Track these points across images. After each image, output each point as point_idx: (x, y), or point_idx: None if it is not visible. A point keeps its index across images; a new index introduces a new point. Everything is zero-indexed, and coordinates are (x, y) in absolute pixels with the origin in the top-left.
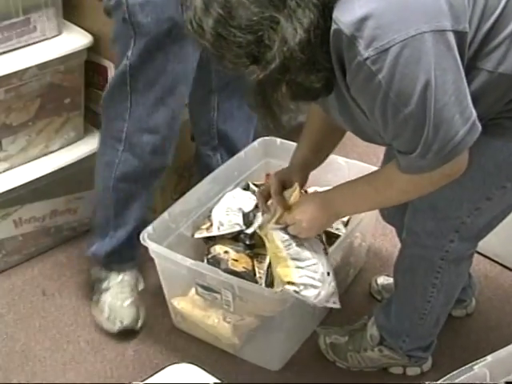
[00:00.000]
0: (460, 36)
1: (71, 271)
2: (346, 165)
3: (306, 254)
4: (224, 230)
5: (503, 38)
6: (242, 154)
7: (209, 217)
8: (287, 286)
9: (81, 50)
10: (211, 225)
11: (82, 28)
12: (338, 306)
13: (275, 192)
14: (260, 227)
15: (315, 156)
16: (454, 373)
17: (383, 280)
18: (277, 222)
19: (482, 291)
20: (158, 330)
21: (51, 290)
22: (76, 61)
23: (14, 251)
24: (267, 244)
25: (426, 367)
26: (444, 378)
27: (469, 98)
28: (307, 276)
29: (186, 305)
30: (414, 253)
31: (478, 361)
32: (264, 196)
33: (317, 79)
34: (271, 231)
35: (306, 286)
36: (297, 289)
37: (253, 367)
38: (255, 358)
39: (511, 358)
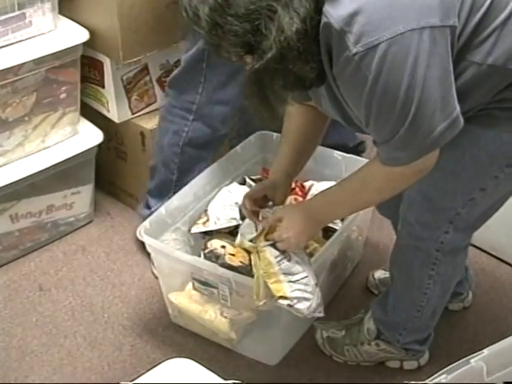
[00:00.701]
0: (450, 31)
1: (68, 266)
2: (343, 159)
3: (297, 267)
4: (221, 225)
5: (492, 30)
6: (238, 148)
7: (205, 211)
8: (280, 301)
9: (77, 45)
10: (208, 219)
11: (78, 23)
12: (322, 314)
13: (255, 206)
14: (251, 242)
15: (297, 164)
16: (451, 366)
17: (380, 274)
18: (265, 238)
19: (478, 284)
20: (155, 325)
21: (48, 285)
22: (72, 56)
23: (10, 246)
24: (257, 261)
25: (423, 361)
26: (440, 372)
27: (453, 93)
28: (299, 290)
29: (182, 300)
30: (410, 244)
31: (475, 354)
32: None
33: (311, 69)
34: (264, 248)
35: (299, 299)
36: (290, 303)
37: (250, 362)
38: (252, 353)
39: (508, 352)
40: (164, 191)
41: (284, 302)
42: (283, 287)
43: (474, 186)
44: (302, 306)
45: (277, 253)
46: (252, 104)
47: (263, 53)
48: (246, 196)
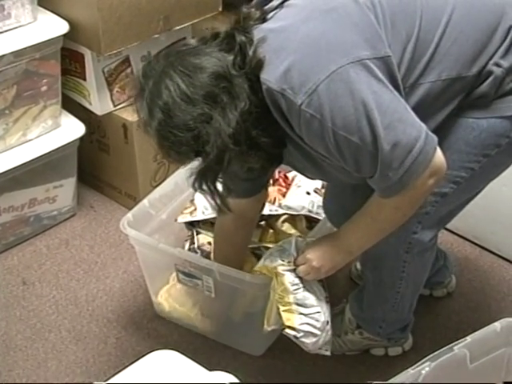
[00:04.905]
0: (384, 61)
1: (51, 260)
2: None
3: (312, 300)
4: (209, 215)
5: (433, 48)
6: None
7: (192, 201)
8: (287, 330)
9: (57, 37)
10: (195, 209)
11: (58, 15)
12: (328, 353)
13: None
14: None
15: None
16: (435, 354)
17: None
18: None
19: (462, 273)
20: (140, 318)
21: (31, 279)
22: (52, 48)
23: None
24: (275, 284)
25: (407, 346)
26: (425, 359)
27: (412, 113)
28: (308, 324)
29: (166, 305)
30: (378, 249)
31: (458, 341)
32: None
33: (255, 160)
34: (283, 272)
35: (306, 333)
36: (297, 334)
37: (235, 353)
38: (237, 344)
39: (490, 339)
40: None
41: (291, 333)
42: (293, 318)
43: (447, 179)
44: (308, 340)
45: (295, 280)
46: (205, 197)
47: (207, 155)
48: None
